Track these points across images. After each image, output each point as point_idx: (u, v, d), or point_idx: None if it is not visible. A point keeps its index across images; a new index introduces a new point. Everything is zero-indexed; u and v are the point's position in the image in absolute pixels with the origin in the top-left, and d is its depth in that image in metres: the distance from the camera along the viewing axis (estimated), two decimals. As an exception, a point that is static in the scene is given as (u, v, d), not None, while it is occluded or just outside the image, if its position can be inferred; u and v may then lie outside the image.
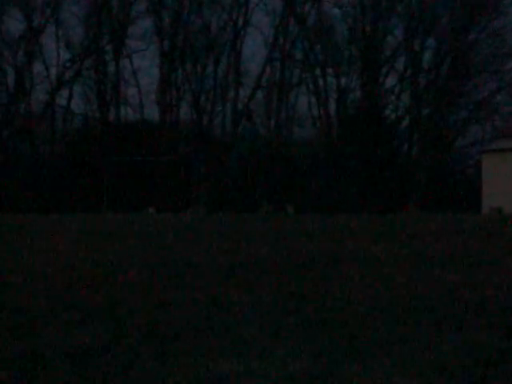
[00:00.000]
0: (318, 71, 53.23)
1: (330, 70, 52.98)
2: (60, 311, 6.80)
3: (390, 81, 53.91)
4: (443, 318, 6.52)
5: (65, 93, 52.10)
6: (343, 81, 52.64)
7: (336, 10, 67.24)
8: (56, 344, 5.45)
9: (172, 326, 6.15)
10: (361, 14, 52.42)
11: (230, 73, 52.78)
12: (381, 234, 16.73)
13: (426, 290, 8.16)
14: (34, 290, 8.15)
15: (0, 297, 7.62)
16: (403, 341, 5.64)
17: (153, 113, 54.93)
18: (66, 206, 42.44)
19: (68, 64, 52.10)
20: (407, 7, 52.18)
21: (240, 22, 52.73)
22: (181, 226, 20.59)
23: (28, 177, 47.67)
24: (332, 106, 52.94)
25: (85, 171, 46.54)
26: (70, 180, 46.39)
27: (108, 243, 14.08)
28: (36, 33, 51.01)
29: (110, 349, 5.34)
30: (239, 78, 52.80)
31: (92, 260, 10.97)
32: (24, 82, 51.05)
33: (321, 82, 52.90)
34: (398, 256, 11.67)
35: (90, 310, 6.91)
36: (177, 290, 8.18)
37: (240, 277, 9.20)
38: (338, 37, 53.20)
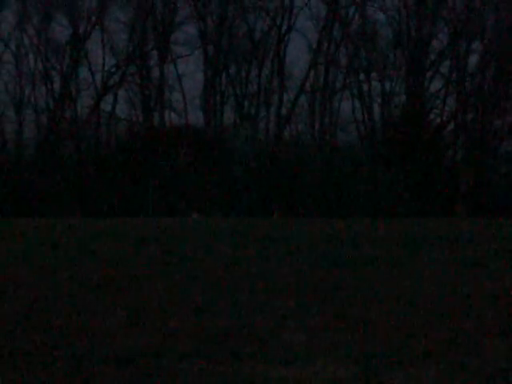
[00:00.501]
0: (362, 76, 53.05)
1: (374, 75, 52.78)
2: (106, 314, 6.84)
3: (436, 85, 53.36)
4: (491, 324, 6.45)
5: (109, 98, 52.57)
6: (388, 85, 52.40)
7: (380, 14, 66.82)
8: (104, 347, 5.48)
9: (218, 331, 6.16)
10: (406, 18, 52.13)
11: (273, 77, 52.79)
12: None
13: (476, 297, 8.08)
14: (83, 292, 8.22)
15: (49, 301, 7.70)
16: (451, 348, 5.59)
17: (197, 118, 55.02)
18: (110, 210, 42.79)
19: (113, 69, 52.55)
20: (452, 11, 51.79)
21: (284, 26, 52.76)
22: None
23: (72, 181, 48.14)
24: (376, 111, 52.71)
25: (129, 175, 46.88)
26: (114, 184, 46.75)
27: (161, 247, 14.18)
28: (82, 39, 51.53)
29: (159, 353, 5.36)
30: (283, 82, 52.77)
31: (135, 263, 11.03)
32: (70, 88, 51.58)
33: (365, 86, 52.70)
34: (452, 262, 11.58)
35: (138, 312, 6.95)
36: (220, 295, 8.20)
37: (279, 283, 9.19)
38: (382, 41, 52.98)
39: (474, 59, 52.26)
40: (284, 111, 52.86)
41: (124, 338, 5.97)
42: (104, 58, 52.20)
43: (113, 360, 5.20)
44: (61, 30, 52.73)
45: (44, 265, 10.69)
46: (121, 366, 5.04)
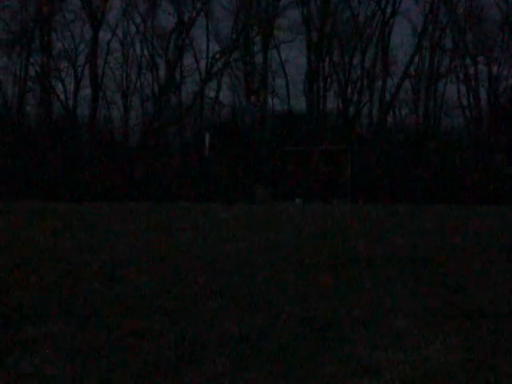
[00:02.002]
0: (468, 59, 52.02)
1: (481, 58, 51.69)
2: (206, 299, 6.92)
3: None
4: None
5: (213, 84, 53.15)
6: (495, 69, 51.21)
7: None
8: (209, 330, 5.57)
9: (326, 315, 6.17)
10: (514, 0, 50.79)
11: (377, 62, 52.30)
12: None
13: None
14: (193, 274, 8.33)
15: (165, 279, 7.84)
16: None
17: (300, 103, 55.14)
18: (215, 195, 43.22)
19: (217, 56, 53.06)
20: None
21: (388, 10, 52.15)
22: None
23: (176, 167, 48.89)
24: (483, 95, 51.63)
25: (235, 162, 47.28)
26: (220, 170, 47.22)
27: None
28: (187, 26, 52.20)
29: (266, 336, 5.41)
30: (387, 67, 52.22)
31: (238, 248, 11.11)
32: (174, 75, 52.36)
33: (471, 70, 51.69)
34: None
35: (237, 297, 7.00)
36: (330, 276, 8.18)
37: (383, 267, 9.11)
38: (489, 23, 51.79)
39: None
40: (387, 96, 52.41)
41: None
42: (208, 45, 52.85)
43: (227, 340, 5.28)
44: (166, 18, 53.58)
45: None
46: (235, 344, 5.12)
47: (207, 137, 37.96)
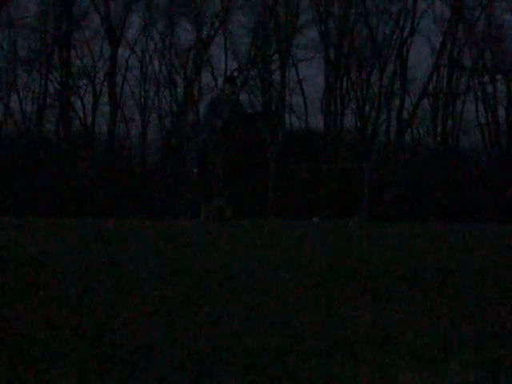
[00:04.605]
0: (486, 78, 51.91)
1: (499, 77, 51.56)
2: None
3: None
4: None
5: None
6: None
7: (508, 16, 65.25)
8: (226, 345, 5.50)
9: (344, 335, 6.07)
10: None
11: (395, 81, 52.29)
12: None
13: None
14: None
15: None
16: None
17: (317, 121, 55.23)
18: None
19: (235, 74, 53.19)
20: None
21: (407, 29, 52.19)
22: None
23: (191, 183, 48.96)
24: (501, 114, 51.46)
25: (248, 177, 47.30)
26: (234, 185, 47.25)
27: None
28: (205, 44, 52.41)
29: (286, 353, 5.33)
30: (405, 85, 52.19)
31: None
32: (193, 92, 52.52)
33: (489, 88, 51.56)
34: None
35: (256, 315, 6.93)
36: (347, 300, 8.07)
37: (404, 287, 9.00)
38: (508, 42, 51.72)
39: None
40: (405, 114, 52.36)
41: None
42: (226, 63, 53.02)
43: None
44: (185, 35, 53.80)
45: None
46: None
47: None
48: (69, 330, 4.94)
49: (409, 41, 52.17)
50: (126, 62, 52.39)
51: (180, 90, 52.91)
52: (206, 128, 18.84)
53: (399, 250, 14.05)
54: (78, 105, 52.79)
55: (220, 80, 52.62)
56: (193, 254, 11.25)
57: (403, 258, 12.16)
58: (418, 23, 52.15)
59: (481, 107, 51.67)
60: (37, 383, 3.55)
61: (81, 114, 52.58)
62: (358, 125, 52.50)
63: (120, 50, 52.26)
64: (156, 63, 52.96)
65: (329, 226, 27.41)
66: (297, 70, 53.04)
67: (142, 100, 52.77)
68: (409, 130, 53.08)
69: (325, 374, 4.71)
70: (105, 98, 52.17)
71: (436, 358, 5.08)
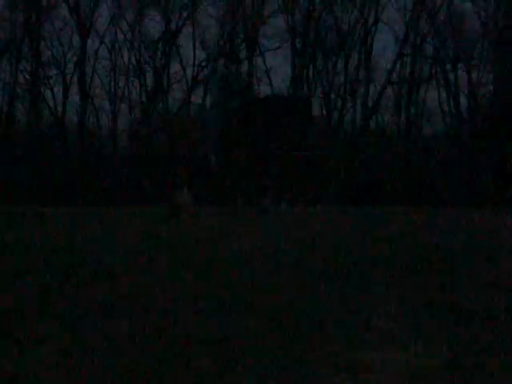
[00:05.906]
0: (448, 66, 53.04)
1: (461, 65, 52.72)
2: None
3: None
4: None
5: (200, 91, 53.93)
6: (475, 75, 52.32)
7: (468, 4, 66.40)
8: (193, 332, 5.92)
9: (315, 317, 6.49)
10: (494, 7, 51.94)
11: (360, 69, 53.24)
12: None
13: None
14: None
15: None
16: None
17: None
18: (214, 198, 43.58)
19: (203, 63, 53.87)
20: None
21: (371, 18, 53.17)
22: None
23: (166, 172, 49.57)
24: (463, 101, 52.69)
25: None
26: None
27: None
28: (173, 34, 52.98)
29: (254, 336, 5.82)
30: (369, 74, 53.18)
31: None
32: (162, 82, 53.09)
33: (452, 76, 52.73)
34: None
35: (222, 299, 7.44)
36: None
37: (381, 271, 9.55)
38: (469, 31, 52.87)
39: None
40: (370, 102, 53.34)
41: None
42: (195, 53, 53.64)
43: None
44: (153, 26, 54.23)
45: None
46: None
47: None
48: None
49: (373, 30, 53.15)
50: (96, 52, 52.86)
51: (149, 79, 53.51)
52: (220, 109, 18.85)
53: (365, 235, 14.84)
54: (49, 95, 53.24)
55: (189, 69, 53.29)
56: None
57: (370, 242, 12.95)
58: (381, 13, 53.17)
59: (443, 95, 52.84)
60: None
61: (51, 104, 53.01)
62: (324, 112, 53.44)
63: (90, 41, 52.76)
64: (125, 54, 53.47)
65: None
66: (264, 60, 53.85)
67: (112, 89, 53.27)
68: (373, 117, 54.13)
69: (299, 353, 5.21)
70: (75, 88, 52.63)
71: (406, 340, 5.45)
